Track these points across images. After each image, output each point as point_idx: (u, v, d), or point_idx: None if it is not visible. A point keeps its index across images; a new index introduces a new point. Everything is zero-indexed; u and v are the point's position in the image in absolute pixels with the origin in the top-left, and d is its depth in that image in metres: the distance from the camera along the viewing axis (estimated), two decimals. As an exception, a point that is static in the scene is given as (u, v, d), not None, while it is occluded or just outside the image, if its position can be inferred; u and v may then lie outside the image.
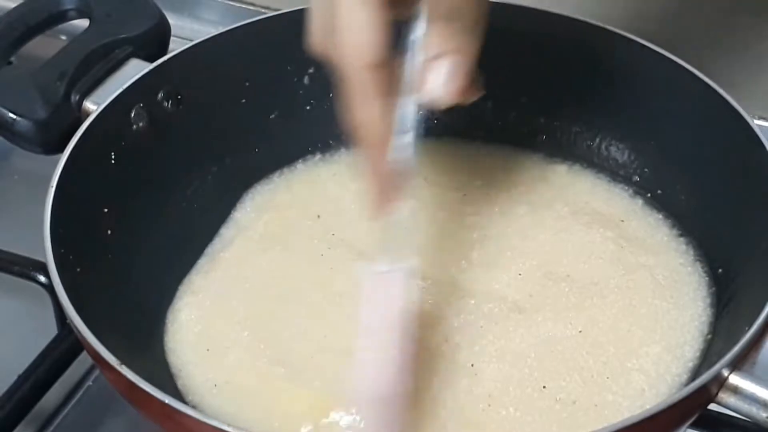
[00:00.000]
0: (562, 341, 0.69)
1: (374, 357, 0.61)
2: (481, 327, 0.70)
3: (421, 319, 0.69)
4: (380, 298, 0.62)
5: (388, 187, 0.60)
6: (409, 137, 0.59)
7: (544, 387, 0.66)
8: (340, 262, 0.75)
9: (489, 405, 0.65)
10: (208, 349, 0.70)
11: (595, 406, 0.65)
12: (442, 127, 0.82)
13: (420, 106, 0.59)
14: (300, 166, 0.83)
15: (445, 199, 0.79)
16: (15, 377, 0.71)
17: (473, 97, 0.60)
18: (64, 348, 0.73)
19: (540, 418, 0.65)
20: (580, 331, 0.69)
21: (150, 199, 0.76)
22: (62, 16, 0.84)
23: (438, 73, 0.57)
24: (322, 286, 0.73)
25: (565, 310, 0.71)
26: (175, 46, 0.81)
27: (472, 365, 0.67)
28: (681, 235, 0.76)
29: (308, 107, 0.84)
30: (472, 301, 0.71)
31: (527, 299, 0.71)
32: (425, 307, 0.70)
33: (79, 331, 0.61)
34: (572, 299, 0.72)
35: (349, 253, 0.75)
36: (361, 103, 0.57)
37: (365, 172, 0.60)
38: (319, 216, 0.79)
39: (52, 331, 0.74)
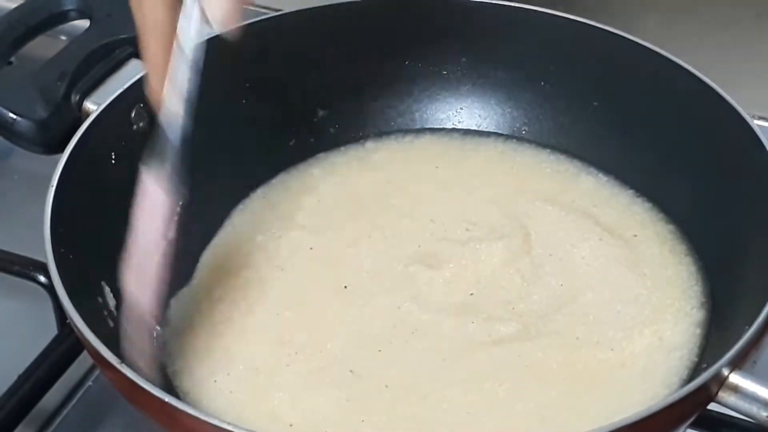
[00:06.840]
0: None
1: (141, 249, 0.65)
2: None
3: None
4: (147, 202, 0.66)
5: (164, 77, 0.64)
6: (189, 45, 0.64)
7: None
8: (330, 263, 0.75)
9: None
10: (206, 348, 0.70)
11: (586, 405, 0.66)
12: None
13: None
14: (300, 166, 0.83)
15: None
16: (15, 377, 0.71)
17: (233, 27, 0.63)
18: (64, 348, 0.73)
19: (516, 415, 0.65)
20: (578, 338, 0.70)
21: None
22: (63, 17, 0.84)
23: None
24: (316, 289, 0.73)
25: (560, 311, 0.71)
26: (175, 47, 0.81)
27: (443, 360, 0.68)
28: (681, 235, 0.76)
29: (309, 108, 0.84)
30: None
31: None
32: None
33: (79, 331, 0.61)
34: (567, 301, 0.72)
35: (335, 256, 0.75)
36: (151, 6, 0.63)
37: (146, 59, 0.65)
38: (316, 216, 0.79)
39: (52, 331, 0.74)
